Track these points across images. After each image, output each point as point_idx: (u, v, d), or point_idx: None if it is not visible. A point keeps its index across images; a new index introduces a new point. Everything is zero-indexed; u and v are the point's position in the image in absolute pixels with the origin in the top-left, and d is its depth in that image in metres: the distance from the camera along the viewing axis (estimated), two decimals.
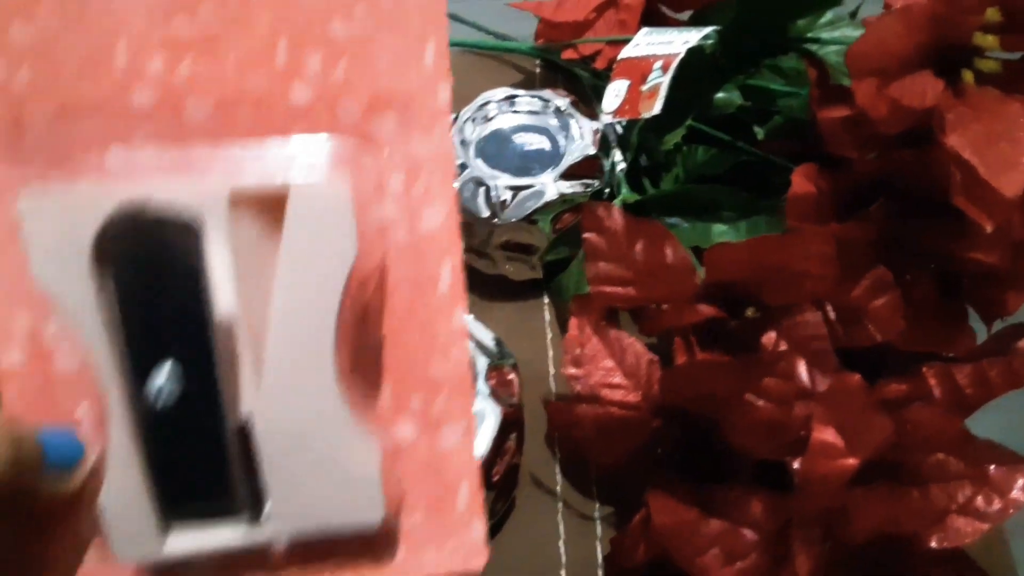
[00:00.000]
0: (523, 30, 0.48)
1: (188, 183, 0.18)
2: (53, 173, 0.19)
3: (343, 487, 0.19)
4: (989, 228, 0.29)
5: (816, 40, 0.36)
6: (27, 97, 0.19)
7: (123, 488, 0.18)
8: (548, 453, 0.36)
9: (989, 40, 0.31)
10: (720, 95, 0.39)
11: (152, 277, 0.18)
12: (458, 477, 0.21)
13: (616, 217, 0.31)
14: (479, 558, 0.21)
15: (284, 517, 0.19)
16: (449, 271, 0.21)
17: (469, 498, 0.21)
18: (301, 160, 0.20)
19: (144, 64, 0.19)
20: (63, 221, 0.17)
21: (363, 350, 0.20)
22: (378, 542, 0.21)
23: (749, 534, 0.30)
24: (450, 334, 0.21)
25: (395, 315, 0.21)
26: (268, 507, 0.19)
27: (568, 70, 0.47)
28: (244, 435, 0.18)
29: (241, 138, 0.20)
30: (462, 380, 0.21)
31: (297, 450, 0.19)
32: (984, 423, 0.31)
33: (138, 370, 0.17)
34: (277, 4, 0.20)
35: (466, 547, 0.21)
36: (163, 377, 0.18)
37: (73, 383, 0.19)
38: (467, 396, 0.21)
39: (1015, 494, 0.28)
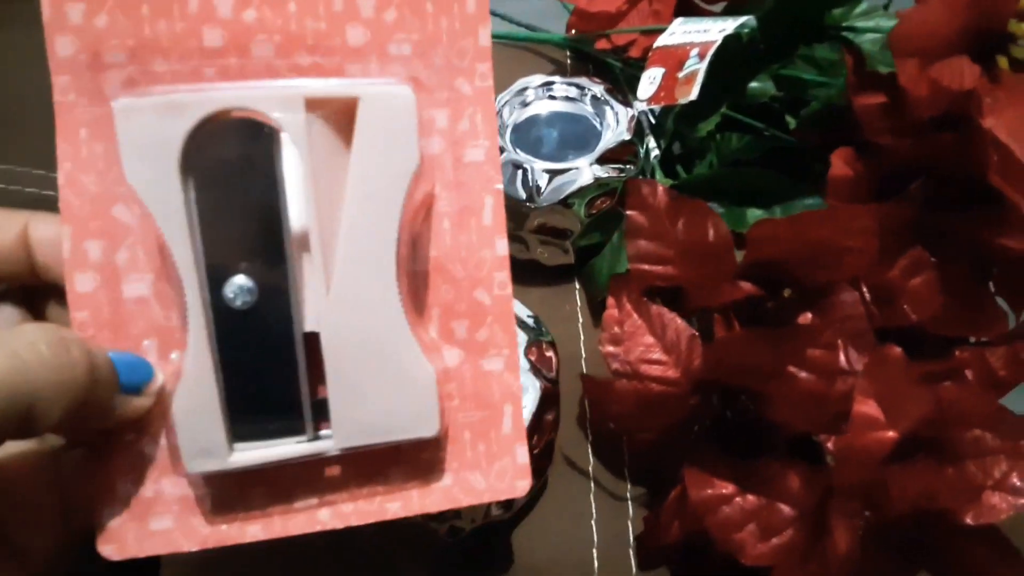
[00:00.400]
0: (552, 26, 0.49)
1: (268, 87, 0.19)
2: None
3: (403, 399, 0.20)
4: None
5: (852, 28, 0.37)
6: (106, 36, 0.20)
7: (197, 395, 0.19)
8: (580, 434, 0.37)
9: (1023, 28, 0.32)
10: (754, 84, 0.40)
11: (234, 183, 0.19)
12: (502, 401, 0.22)
13: (660, 194, 0.31)
14: (524, 482, 0.22)
15: (346, 426, 0.20)
16: (491, 202, 0.22)
17: (513, 422, 0.22)
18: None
19: (215, 7, 0.20)
20: (155, 126, 0.18)
21: (413, 276, 0.21)
22: (426, 465, 0.22)
23: (786, 509, 0.30)
24: (493, 262, 0.22)
25: (441, 244, 0.22)
26: (331, 418, 0.19)
27: (599, 61, 0.47)
28: (312, 344, 0.19)
29: (301, 75, 0.21)
30: (505, 308, 0.22)
31: (361, 361, 0.19)
32: (1021, 403, 0.32)
33: (217, 273, 0.18)
34: None
35: (511, 471, 0.22)
36: (238, 283, 0.18)
37: (140, 310, 0.20)
38: (510, 323, 0.22)
39: None
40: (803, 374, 0.28)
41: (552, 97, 0.41)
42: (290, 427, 0.19)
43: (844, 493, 0.29)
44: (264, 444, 0.19)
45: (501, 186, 0.22)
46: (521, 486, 0.22)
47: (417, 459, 0.21)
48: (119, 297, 0.20)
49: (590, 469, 0.36)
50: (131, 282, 0.20)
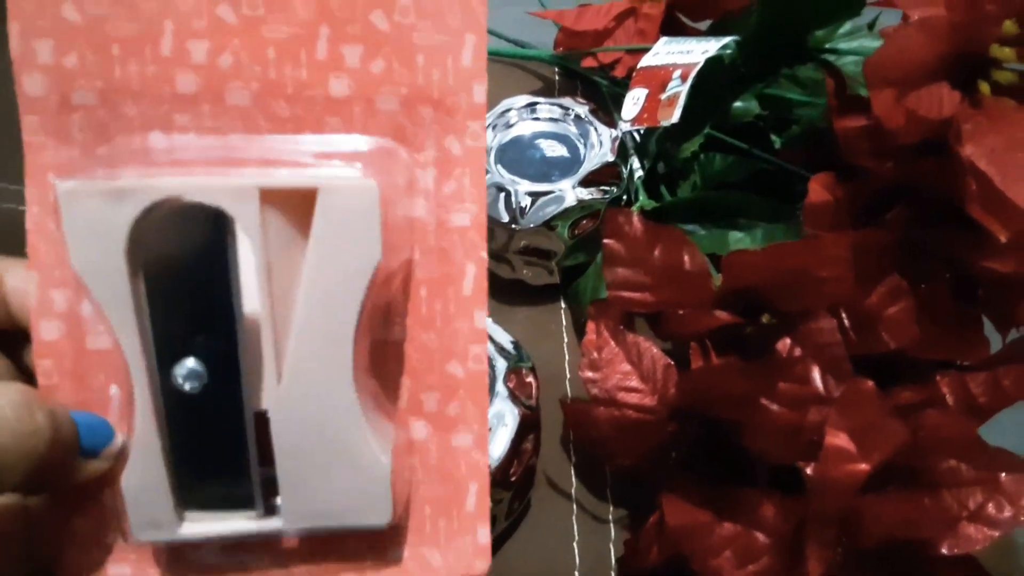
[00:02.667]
0: (542, 39, 0.49)
1: (221, 178, 0.19)
2: (97, 151, 0.20)
3: (353, 488, 0.19)
4: (1004, 238, 0.29)
5: (834, 51, 0.36)
6: (76, 77, 0.19)
7: (144, 471, 0.19)
8: (564, 455, 0.37)
9: (1006, 52, 0.31)
10: (738, 104, 0.40)
11: (183, 269, 0.18)
12: (468, 479, 0.21)
13: (636, 223, 0.31)
14: (482, 562, 0.21)
15: (295, 511, 0.19)
16: (473, 272, 0.21)
17: (477, 501, 0.21)
18: (336, 150, 0.20)
19: (189, 50, 0.20)
20: (100, 212, 0.18)
21: (383, 345, 0.20)
22: (384, 539, 0.21)
23: (762, 537, 0.30)
24: (470, 335, 0.21)
25: (417, 313, 0.21)
26: (280, 500, 0.19)
27: (587, 78, 0.47)
28: (262, 426, 0.19)
29: (278, 127, 0.20)
30: (479, 382, 0.21)
31: (311, 447, 0.19)
32: (1003, 430, 0.32)
33: (165, 358, 0.18)
34: None
35: (470, 550, 0.21)
36: (188, 366, 0.18)
37: (105, 360, 0.20)
38: (482, 398, 0.21)
39: None
40: (775, 406, 0.28)
41: (536, 118, 0.41)
42: (241, 500, 0.19)
43: (819, 522, 0.29)
44: (215, 516, 0.19)
45: (485, 254, 0.21)
46: (480, 566, 0.21)
47: (374, 532, 0.21)
48: (83, 348, 0.20)
49: (573, 491, 0.36)
50: (96, 334, 0.20)
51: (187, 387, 0.18)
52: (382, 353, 0.21)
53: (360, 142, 0.20)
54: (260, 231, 0.18)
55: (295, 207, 0.18)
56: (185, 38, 0.20)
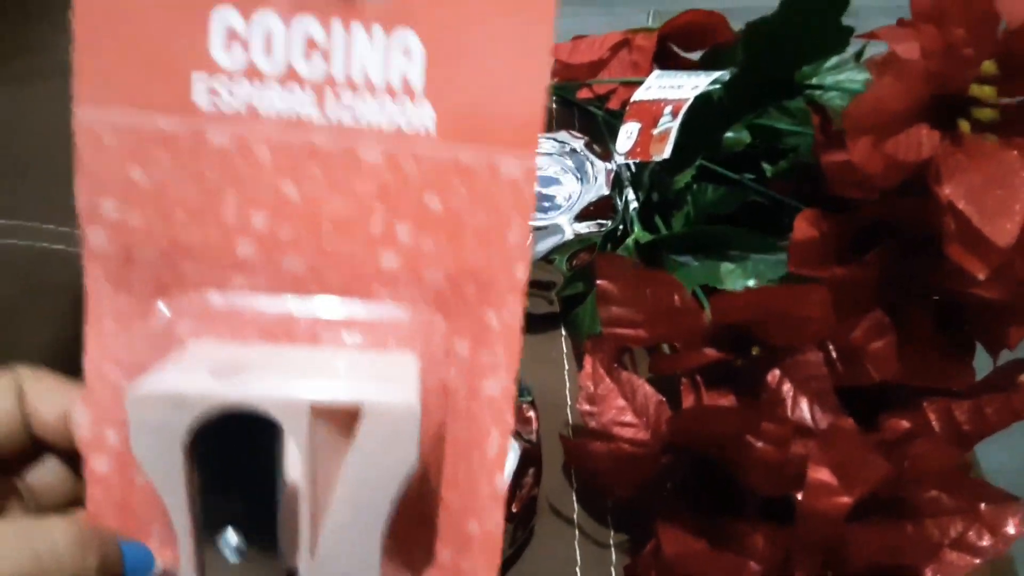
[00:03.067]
0: None
1: (276, 390, 0.19)
2: (155, 305, 0.21)
3: None
4: (982, 276, 0.30)
5: (820, 86, 0.37)
6: (139, 235, 0.21)
7: None
8: (565, 482, 0.39)
9: (986, 91, 0.32)
10: (729, 134, 0.41)
11: (233, 462, 0.20)
12: None
13: (628, 267, 0.33)
14: None
15: None
16: (497, 435, 0.22)
17: None
18: (381, 318, 0.21)
19: (250, 218, 0.21)
20: (163, 416, 0.19)
21: (410, 500, 0.21)
22: None
23: (753, 565, 0.31)
24: (490, 496, 0.22)
25: (441, 472, 0.22)
26: None
27: (583, 108, 0.48)
28: None
29: (328, 294, 0.21)
30: (493, 542, 0.22)
31: None
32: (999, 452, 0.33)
33: (209, 536, 0.20)
34: (380, 174, 0.21)
35: None
36: (230, 543, 0.20)
37: (149, 494, 0.21)
38: (495, 556, 0.22)
39: (1006, 530, 0.30)
40: (760, 443, 0.29)
41: None
42: None
43: (806, 550, 0.30)
44: None
45: (512, 420, 0.22)
46: None
47: None
48: (131, 482, 0.21)
49: (575, 517, 0.38)
50: None
51: (228, 556, 0.20)
52: (407, 508, 0.21)
53: (404, 312, 0.21)
54: (308, 441, 0.19)
55: (341, 417, 0.19)
56: (248, 208, 0.21)
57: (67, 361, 0.45)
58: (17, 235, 0.48)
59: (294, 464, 0.20)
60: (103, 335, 0.21)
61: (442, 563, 0.22)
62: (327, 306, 0.21)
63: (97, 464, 0.21)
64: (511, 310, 0.22)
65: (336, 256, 0.21)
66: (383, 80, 0.21)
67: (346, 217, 0.21)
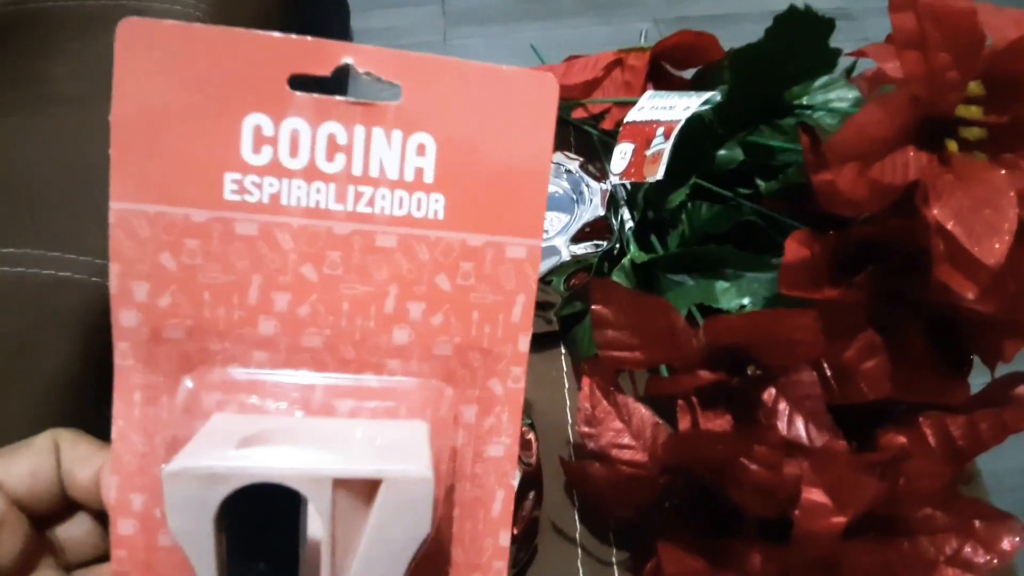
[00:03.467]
0: None
1: (301, 465, 0.20)
2: (181, 379, 0.22)
3: None
4: (972, 296, 0.31)
5: (810, 106, 0.38)
6: (167, 315, 0.22)
7: None
8: (568, 501, 0.39)
9: (973, 110, 0.33)
10: (722, 152, 0.41)
11: (259, 528, 0.21)
12: None
13: (621, 292, 0.33)
14: None
15: None
16: (502, 496, 0.24)
17: None
18: (393, 387, 0.23)
19: (273, 300, 0.22)
20: (196, 491, 0.20)
21: (420, 557, 0.22)
22: None
23: None
24: (495, 551, 0.24)
25: (449, 530, 0.24)
26: None
27: (579, 128, 0.49)
28: None
29: (343, 367, 0.23)
30: None
31: None
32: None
33: None
34: (395, 259, 0.22)
35: None
36: None
37: (172, 554, 0.22)
38: None
39: (1002, 546, 0.30)
40: (754, 466, 0.30)
41: None
42: None
43: (803, 569, 0.31)
44: None
45: (516, 480, 0.23)
46: None
47: None
48: (155, 544, 0.22)
49: (577, 535, 0.38)
50: (165, 534, 0.22)
51: None
52: (417, 566, 0.22)
53: (414, 383, 0.23)
54: (330, 511, 0.20)
55: (361, 486, 0.21)
56: (270, 290, 0.22)
57: (76, 388, 0.46)
58: (24, 263, 0.49)
59: (315, 531, 0.21)
60: (131, 407, 0.22)
61: None
62: (343, 379, 0.23)
63: (123, 527, 0.22)
64: (515, 378, 0.23)
65: (352, 332, 0.22)
66: (398, 174, 0.22)
67: (362, 297, 0.22)
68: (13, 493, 0.24)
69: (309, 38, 0.21)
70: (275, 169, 0.22)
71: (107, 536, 0.24)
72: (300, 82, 0.22)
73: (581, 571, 0.37)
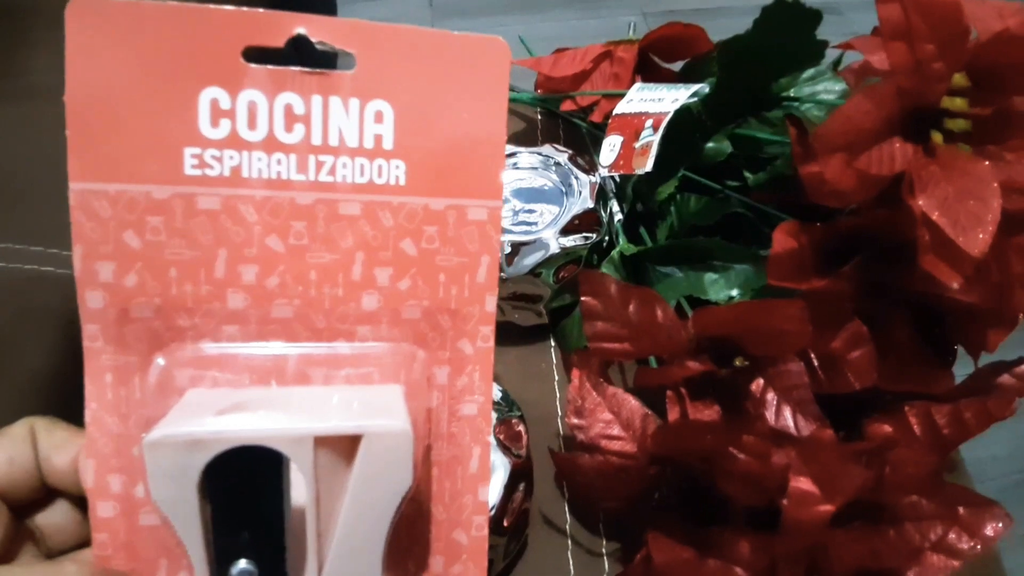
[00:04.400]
0: (524, 83, 0.51)
1: (281, 425, 0.21)
2: (152, 358, 0.22)
3: None
4: (956, 285, 0.31)
5: (797, 98, 0.38)
6: (134, 294, 0.22)
7: None
8: (557, 493, 0.39)
9: (958, 102, 0.33)
10: (710, 144, 0.41)
11: (243, 493, 0.21)
12: None
13: (610, 284, 0.33)
14: None
15: None
16: (479, 452, 0.24)
17: None
18: (365, 353, 0.23)
19: (240, 273, 0.22)
20: (178, 458, 0.20)
21: (401, 518, 0.23)
22: None
23: (740, 572, 0.32)
24: (474, 507, 0.24)
25: (429, 489, 0.24)
26: None
27: (567, 120, 0.49)
28: None
29: (316, 336, 0.23)
30: (480, 547, 0.24)
31: None
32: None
33: (222, 562, 0.21)
34: (359, 226, 0.22)
35: None
36: (241, 567, 0.21)
37: (154, 534, 0.22)
38: (482, 559, 0.24)
39: (985, 532, 0.30)
40: (742, 456, 0.30)
41: (517, 167, 0.43)
42: None
43: (791, 557, 0.31)
44: None
45: (491, 438, 0.24)
46: None
47: None
48: (136, 524, 0.22)
49: (567, 527, 0.39)
50: (146, 513, 0.22)
51: None
52: (400, 524, 0.23)
53: (386, 348, 0.23)
54: (312, 470, 0.20)
55: (342, 443, 0.21)
56: (237, 263, 0.22)
57: (60, 384, 0.46)
58: (6, 258, 0.48)
59: (299, 493, 0.21)
60: (103, 388, 0.22)
61: (435, 571, 0.24)
62: (315, 348, 0.23)
63: (102, 510, 0.22)
64: (484, 337, 0.24)
65: (320, 301, 0.22)
66: (358, 141, 0.22)
67: (329, 265, 0.22)
68: None
69: (261, 10, 0.21)
70: (234, 142, 0.22)
71: (87, 522, 0.24)
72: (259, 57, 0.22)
73: (571, 562, 0.38)
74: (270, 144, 0.22)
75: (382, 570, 0.22)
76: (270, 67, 0.21)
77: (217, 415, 0.21)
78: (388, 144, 0.22)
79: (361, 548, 0.21)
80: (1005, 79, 0.32)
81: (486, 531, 0.24)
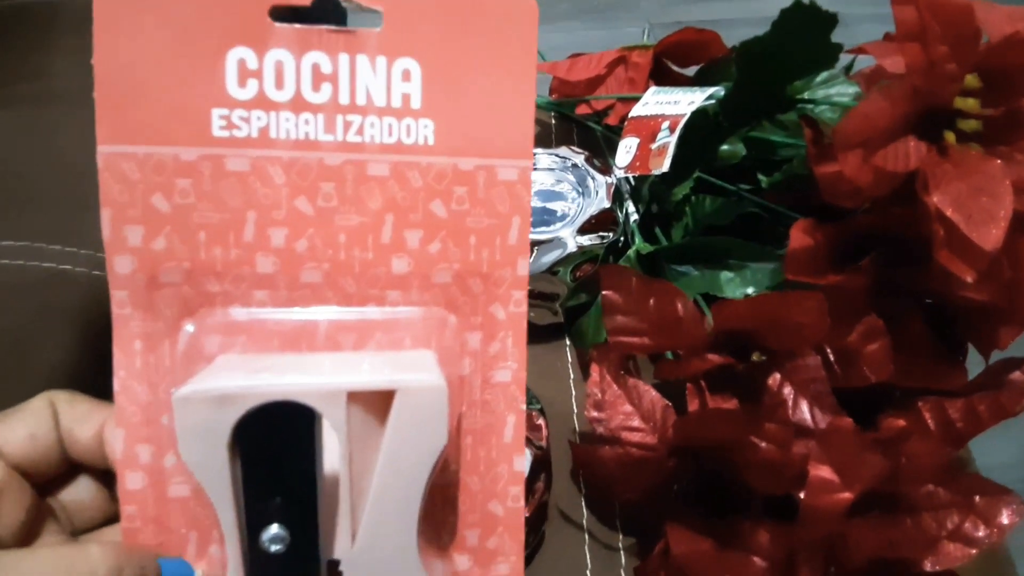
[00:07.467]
0: (539, 87, 0.52)
1: (313, 380, 0.20)
2: (181, 324, 0.22)
3: None
4: (970, 279, 0.32)
5: (812, 100, 0.39)
6: (163, 258, 0.21)
7: None
8: (574, 488, 0.40)
9: (970, 103, 0.34)
10: (725, 147, 0.42)
11: (275, 453, 0.20)
12: None
13: (631, 278, 0.34)
14: None
15: None
16: (513, 421, 0.23)
17: None
18: (396, 318, 0.22)
19: (269, 236, 0.22)
20: (208, 414, 0.19)
21: (435, 488, 0.22)
22: None
23: (759, 562, 0.33)
24: (509, 477, 0.23)
25: (463, 459, 0.23)
26: None
27: (582, 123, 0.50)
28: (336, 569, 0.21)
29: (345, 300, 0.22)
30: (516, 519, 0.23)
31: None
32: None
33: (254, 526, 0.20)
34: (388, 187, 0.22)
35: None
36: (273, 532, 0.20)
37: (183, 506, 0.22)
38: (519, 532, 0.24)
39: (1000, 520, 0.31)
40: (763, 444, 0.30)
41: (535, 167, 0.44)
42: None
43: (809, 547, 0.32)
44: None
45: (524, 406, 0.23)
46: None
47: None
48: (165, 496, 0.22)
49: (584, 521, 0.39)
50: (175, 484, 0.22)
51: (272, 549, 0.20)
52: (433, 495, 0.23)
53: (417, 313, 0.23)
54: (345, 426, 0.20)
55: (375, 401, 0.21)
56: (266, 226, 0.22)
57: (80, 382, 0.46)
58: (26, 256, 0.49)
59: (331, 457, 0.20)
60: (131, 356, 0.22)
61: (470, 546, 0.24)
62: (346, 313, 0.22)
63: (131, 481, 0.22)
64: (516, 301, 0.23)
65: (351, 265, 0.22)
66: (385, 100, 0.22)
67: (358, 227, 0.22)
68: (12, 459, 0.23)
69: None
70: (262, 102, 0.21)
71: (113, 498, 0.24)
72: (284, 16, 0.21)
73: (588, 556, 0.38)
74: (297, 104, 0.21)
75: (417, 537, 0.21)
76: (297, 26, 0.21)
77: (247, 374, 0.20)
78: (416, 103, 0.22)
79: (396, 513, 0.21)
80: (1015, 81, 0.33)
81: (522, 503, 0.24)
